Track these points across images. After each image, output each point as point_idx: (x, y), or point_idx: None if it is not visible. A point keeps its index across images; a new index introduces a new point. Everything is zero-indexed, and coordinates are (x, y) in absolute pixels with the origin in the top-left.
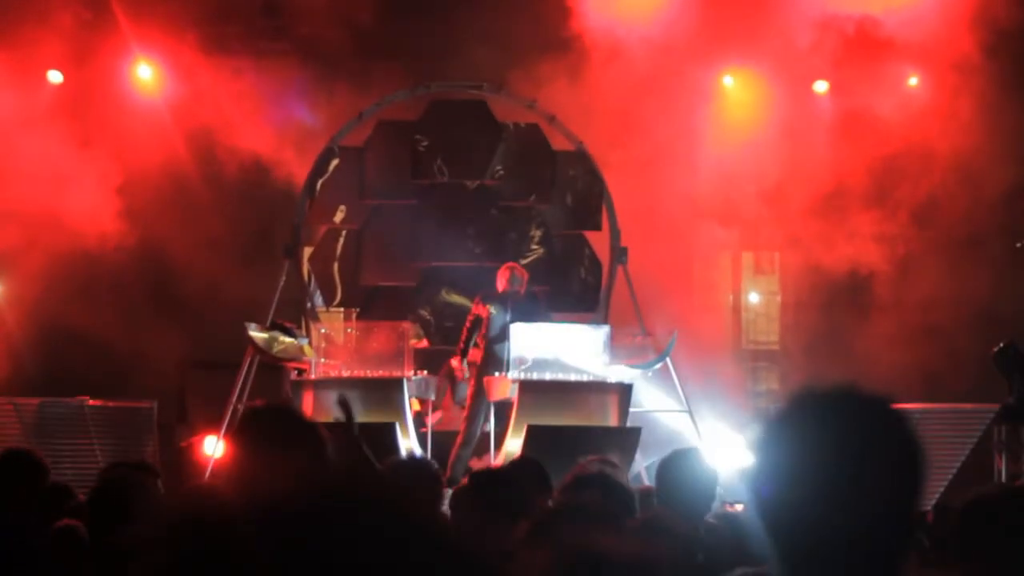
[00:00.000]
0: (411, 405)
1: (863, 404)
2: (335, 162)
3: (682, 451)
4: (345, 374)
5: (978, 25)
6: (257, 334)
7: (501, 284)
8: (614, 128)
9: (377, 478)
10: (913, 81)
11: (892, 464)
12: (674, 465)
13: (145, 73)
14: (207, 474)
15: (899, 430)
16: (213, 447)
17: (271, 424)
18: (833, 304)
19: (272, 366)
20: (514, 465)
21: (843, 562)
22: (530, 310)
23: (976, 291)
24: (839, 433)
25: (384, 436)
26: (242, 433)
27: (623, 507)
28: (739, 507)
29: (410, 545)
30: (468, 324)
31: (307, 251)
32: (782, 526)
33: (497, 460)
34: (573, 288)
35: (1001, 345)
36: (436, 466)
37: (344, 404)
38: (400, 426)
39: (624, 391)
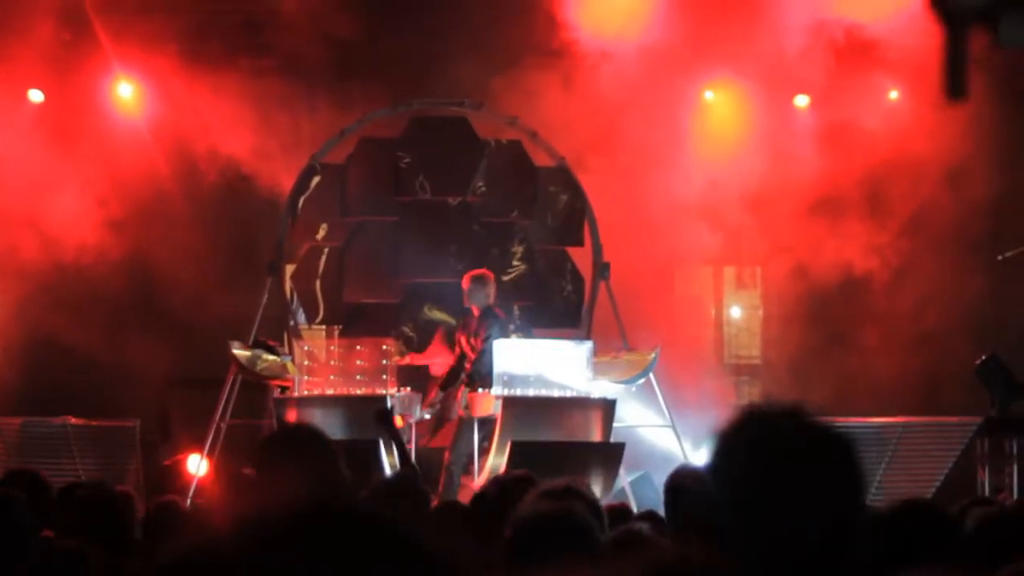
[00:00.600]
0: (395, 422)
1: (802, 424)
2: (317, 179)
3: (692, 467)
4: (328, 392)
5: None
6: (240, 352)
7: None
8: (596, 143)
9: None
10: (894, 95)
11: (827, 480)
12: (689, 483)
13: (126, 91)
14: (190, 493)
15: (835, 449)
16: (196, 465)
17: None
18: (815, 318)
19: (255, 384)
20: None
21: (786, 569)
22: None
23: (961, 302)
24: (777, 451)
25: (368, 454)
26: (278, 455)
27: (595, 519)
28: None
29: (396, 564)
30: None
31: (289, 268)
32: (732, 532)
33: (481, 477)
34: (555, 304)
35: (984, 357)
36: (421, 483)
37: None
38: (384, 443)
39: (608, 407)
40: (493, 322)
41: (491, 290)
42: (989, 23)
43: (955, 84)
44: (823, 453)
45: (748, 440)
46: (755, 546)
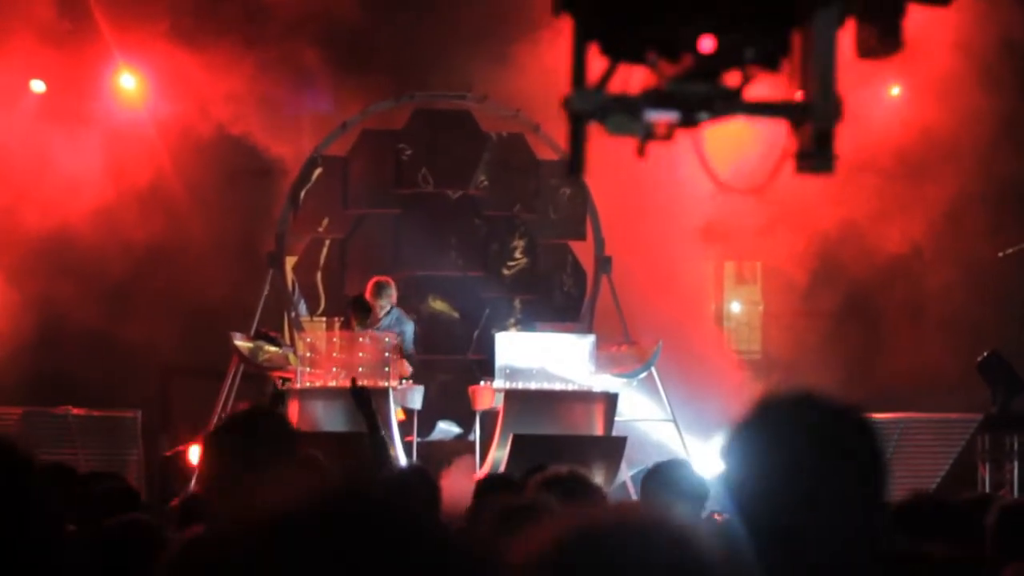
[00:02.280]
0: (396, 415)
1: (819, 411)
2: (318, 171)
3: (668, 462)
4: (331, 383)
5: (960, 33)
6: (242, 343)
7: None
8: (598, 137)
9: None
10: (895, 91)
11: (848, 466)
12: (660, 477)
13: (128, 82)
14: (192, 483)
15: (855, 434)
16: (198, 456)
17: (252, 430)
18: (816, 313)
19: (257, 375)
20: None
21: (810, 558)
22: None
23: (958, 298)
24: (796, 439)
25: (369, 445)
26: (224, 438)
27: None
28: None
29: (412, 554)
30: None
31: (291, 260)
32: (753, 525)
33: (483, 469)
34: (557, 298)
35: (985, 354)
36: (431, 475)
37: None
38: (385, 436)
39: (609, 400)
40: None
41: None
42: (601, 120)
43: (575, 165)
44: (844, 438)
45: (768, 428)
46: (777, 534)
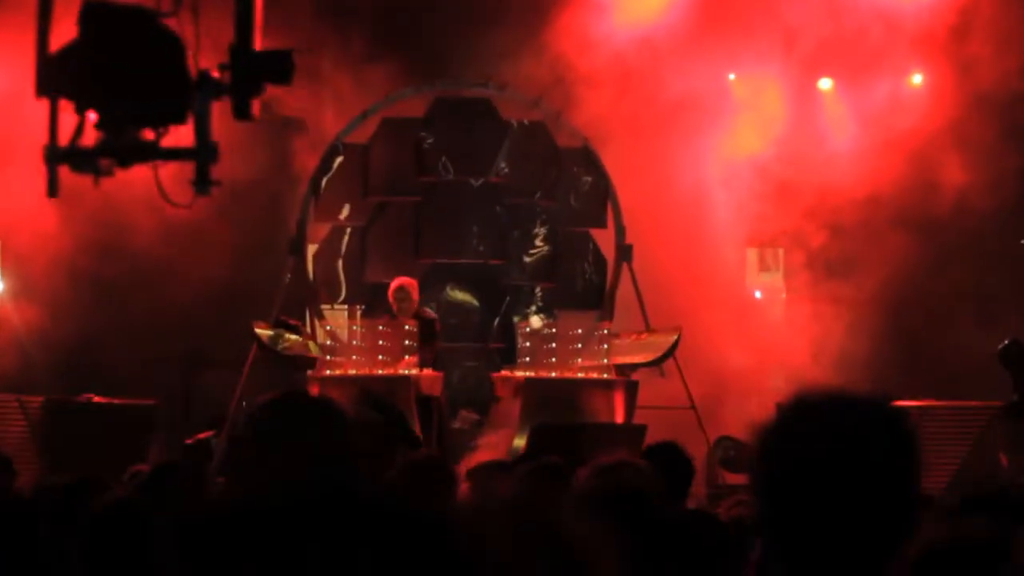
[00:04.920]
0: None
1: (857, 406)
2: (339, 159)
3: (656, 445)
4: (351, 372)
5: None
6: (263, 331)
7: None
8: (619, 125)
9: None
10: (917, 79)
11: (891, 462)
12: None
13: None
14: (211, 472)
15: (894, 429)
16: (217, 445)
17: (290, 415)
18: (839, 300)
19: (277, 364)
20: None
21: (845, 558)
22: None
23: (981, 286)
24: (836, 437)
25: (388, 434)
26: (263, 426)
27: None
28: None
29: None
30: None
31: (312, 248)
32: (786, 526)
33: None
34: (578, 285)
35: (1006, 342)
36: (447, 464)
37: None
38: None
39: (630, 388)
40: None
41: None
42: (67, 162)
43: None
44: (881, 433)
45: (804, 425)
46: (810, 529)
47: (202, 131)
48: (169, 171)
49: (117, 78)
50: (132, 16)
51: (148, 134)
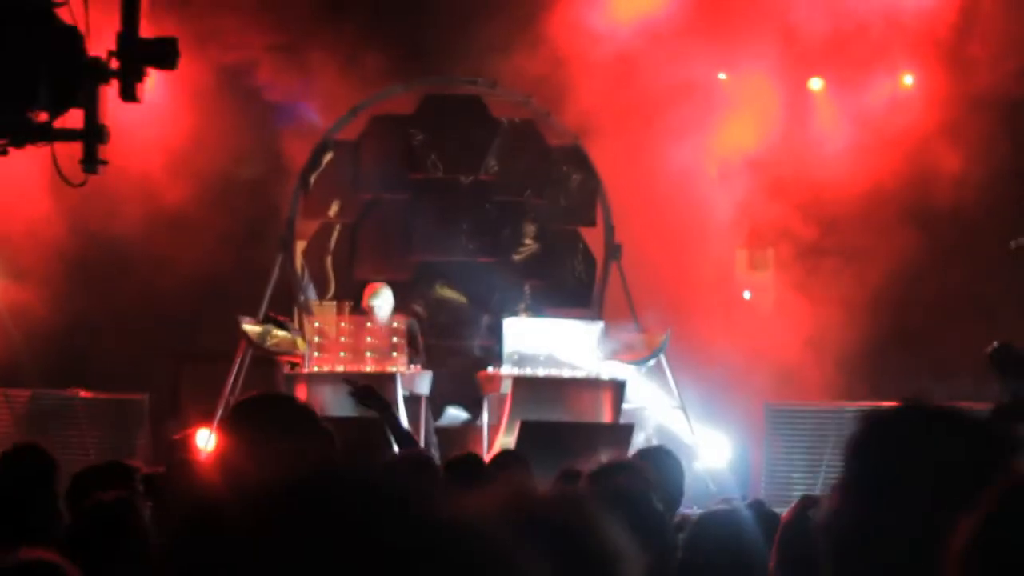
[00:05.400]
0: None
1: (944, 421)
2: (329, 156)
3: (648, 449)
4: (339, 368)
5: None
6: (250, 327)
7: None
8: (610, 123)
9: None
10: (908, 79)
11: (975, 475)
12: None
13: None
14: (199, 467)
15: (979, 439)
16: (205, 440)
17: (267, 412)
18: (828, 301)
19: (265, 359)
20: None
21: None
22: None
23: (974, 289)
24: (927, 454)
25: (376, 431)
26: (237, 422)
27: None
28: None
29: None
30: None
31: (300, 244)
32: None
33: (490, 455)
34: (567, 284)
35: (996, 344)
36: (435, 459)
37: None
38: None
39: (618, 388)
40: None
41: None
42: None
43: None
44: (974, 446)
45: (898, 446)
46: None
47: (91, 113)
48: (156, 160)
49: (10, 63)
50: (26, 5)
51: (42, 116)
